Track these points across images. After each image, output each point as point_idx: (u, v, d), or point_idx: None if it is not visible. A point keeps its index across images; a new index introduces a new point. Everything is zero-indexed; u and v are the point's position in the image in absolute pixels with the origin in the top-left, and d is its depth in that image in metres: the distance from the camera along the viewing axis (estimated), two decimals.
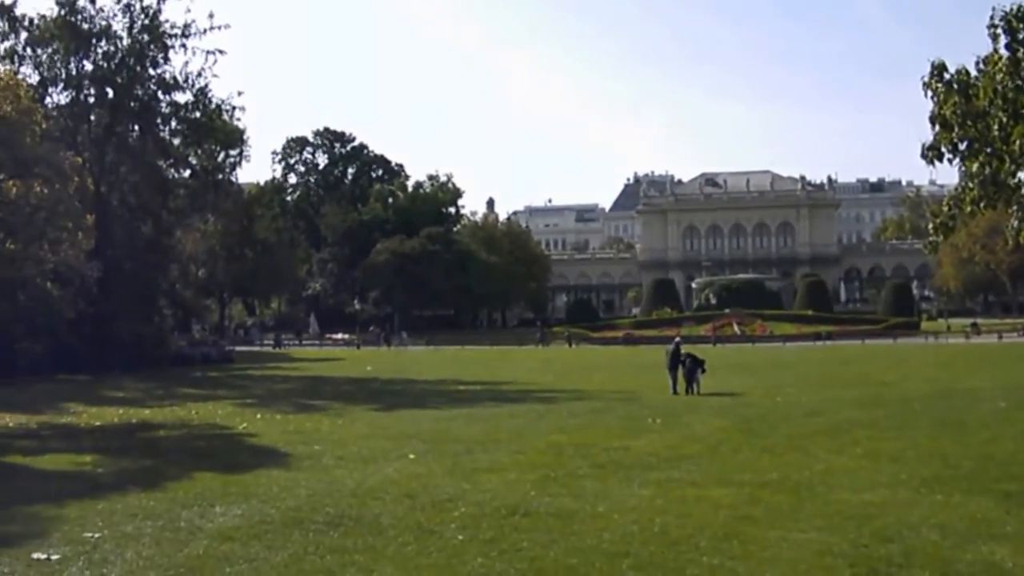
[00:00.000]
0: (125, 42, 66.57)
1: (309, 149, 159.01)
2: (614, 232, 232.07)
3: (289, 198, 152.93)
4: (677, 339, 43.08)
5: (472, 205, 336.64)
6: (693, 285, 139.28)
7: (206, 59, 67.04)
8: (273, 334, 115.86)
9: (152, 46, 66.77)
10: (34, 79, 63.81)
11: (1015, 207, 19.78)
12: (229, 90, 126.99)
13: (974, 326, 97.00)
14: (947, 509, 15.27)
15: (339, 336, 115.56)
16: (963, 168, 19.59)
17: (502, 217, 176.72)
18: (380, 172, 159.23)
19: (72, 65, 66.92)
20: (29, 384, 47.94)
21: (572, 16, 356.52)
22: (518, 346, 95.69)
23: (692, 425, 27.47)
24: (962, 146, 19.30)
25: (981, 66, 19.08)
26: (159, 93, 68.72)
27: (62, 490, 18.26)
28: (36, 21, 65.34)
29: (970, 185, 19.24)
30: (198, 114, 70.80)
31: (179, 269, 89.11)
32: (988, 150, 18.94)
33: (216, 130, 76.43)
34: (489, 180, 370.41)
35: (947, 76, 19.11)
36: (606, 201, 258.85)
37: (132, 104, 67.46)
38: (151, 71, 67.78)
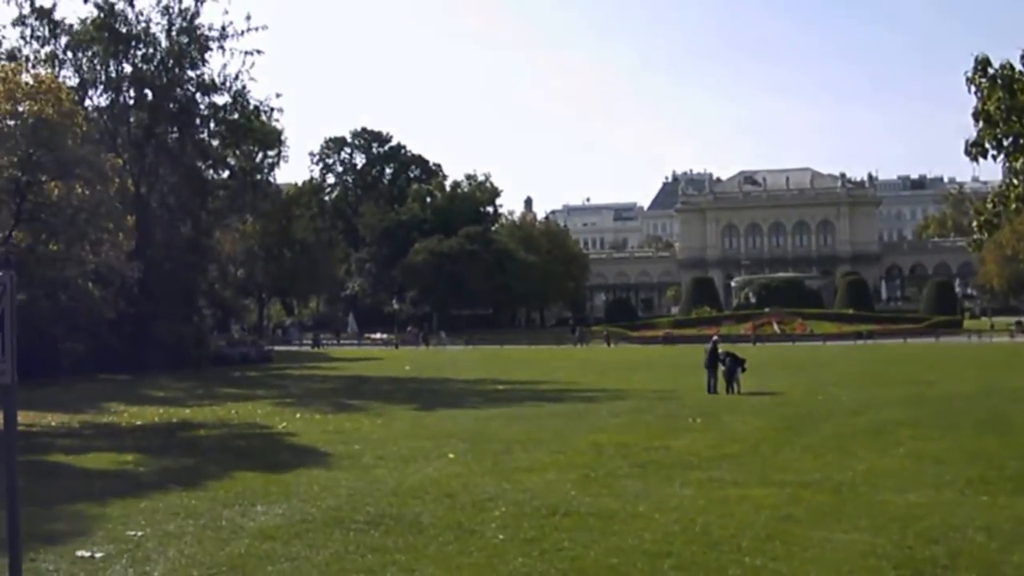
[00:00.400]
0: (163, 44, 67.09)
1: (347, 149, 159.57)
2: (653, 231, 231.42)
3: (327, 198, 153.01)
4: (715, 338, 42.92)
5: (510, 204, 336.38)
6: (732, 284, 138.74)
7: (244, 60, 67.55)
8: (311, 334, 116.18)
9: (190, 48, 67.22)
10: (74, 81, 64.35)
11: None
12: (267, 91, 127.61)
13: (1019, 324, 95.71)
14: (993, 510, 15.08)
15: (377, 336, 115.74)
16: (1007, 164, 19.45)
17: (540, 216, 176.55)
18: (418, 172, 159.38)
19: (111, 67, 67.48)
20: (71, 384, 48.24)
21: (611, 13, 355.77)
22: (556, 345, 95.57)
23: (733, 424, 27.34)
24: (1006, 142, 19.14)
25: None
26: (197, 95, 69.22)
27: (105, 489, 18.35)
28: (75, 26, 65.97)
29: (1015, 182, 19.12)
30: (236, 115, 71.28)
31: (218, 269, 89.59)
32: None
33: (254, 131, 76.94)
34: (527, 179, 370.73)
35: (991, 71, 18.97)
36: (644, 200, 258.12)
37: (171, 106, 67.92)
38: (189, 73, 68.29)
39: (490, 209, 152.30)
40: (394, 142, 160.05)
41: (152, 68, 67.16)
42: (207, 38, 67.10)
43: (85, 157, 41.42)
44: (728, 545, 13.06)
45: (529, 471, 19.54)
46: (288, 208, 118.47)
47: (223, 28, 66.69)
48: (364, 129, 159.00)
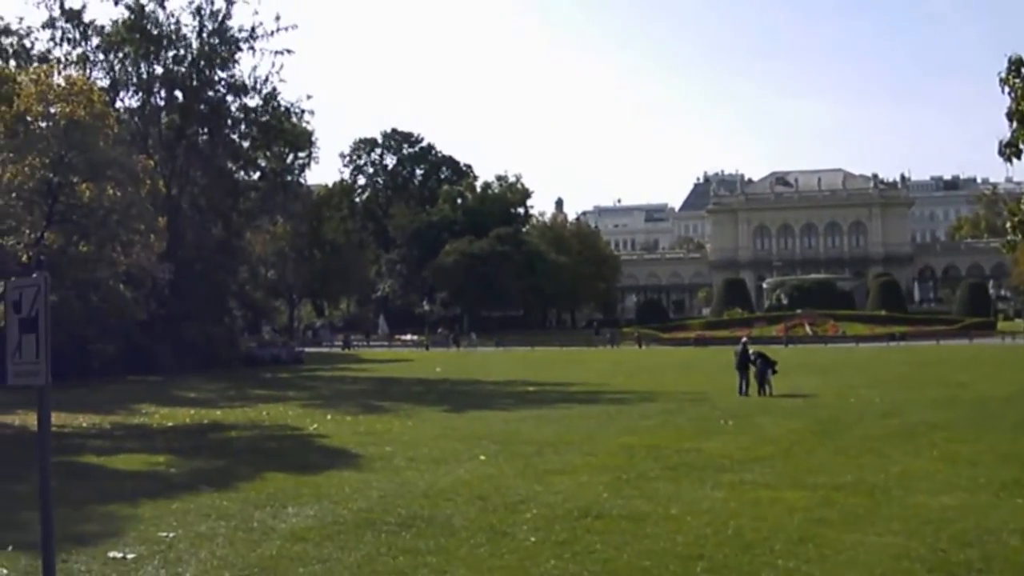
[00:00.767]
0: (194, 45, 67.44)
1: (377, 150, 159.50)
2: (684, 232, 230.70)
3: (358, 199, 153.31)
4: (744, 339, 42.76)
5: (541, 205, 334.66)
6: (764, 285, 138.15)
7: (274, 60, 67.92)
8: (342, 335, 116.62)
9: (221, 49, 67.51)
10: (105, 83, 64.71)
11: None
12: (297, 93, 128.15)
13: None
14: None
15: (408, 337, 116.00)
16: None
17: (571, 217, 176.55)
18: (448, 173, 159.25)
19: (142, 69, 67.90)
20: (102, 385, 48.56)
21: (641, 14, 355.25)
22: (587, 347, 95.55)
23: (764, 426, 27.22)
24: None
25: None
26: (228, 96, 69.53)
27: (136, 490, 18.43)
28: (107, 27, 66.38)
29: None
30: (267, 117, 71.55)
31: (249, 270, 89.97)
32: None
33: (285, 132, 77.30)
34: (558, 180, 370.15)
35: None
36: (676, 201, 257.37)
37: (202, 107, 68.33)
38: (220, 74, 68.65)
39: (521, 210, 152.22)
40: (424, 143, 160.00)
41: (183, 69, 67.57)
42: (237, 39, 67.44)
43: (116, 159, 41.59)
44: (761, 548, 12.97)
45: (560, 473, 19.48)
46: (319, 209, 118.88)
47: (253, 29, 67.19)
48: (394, 130, 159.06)
